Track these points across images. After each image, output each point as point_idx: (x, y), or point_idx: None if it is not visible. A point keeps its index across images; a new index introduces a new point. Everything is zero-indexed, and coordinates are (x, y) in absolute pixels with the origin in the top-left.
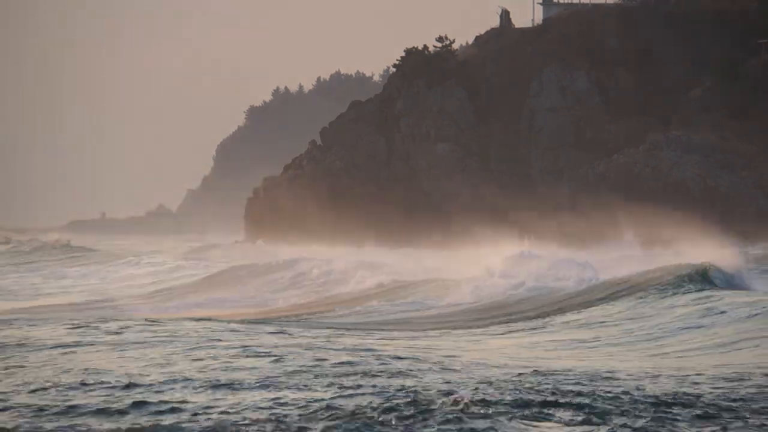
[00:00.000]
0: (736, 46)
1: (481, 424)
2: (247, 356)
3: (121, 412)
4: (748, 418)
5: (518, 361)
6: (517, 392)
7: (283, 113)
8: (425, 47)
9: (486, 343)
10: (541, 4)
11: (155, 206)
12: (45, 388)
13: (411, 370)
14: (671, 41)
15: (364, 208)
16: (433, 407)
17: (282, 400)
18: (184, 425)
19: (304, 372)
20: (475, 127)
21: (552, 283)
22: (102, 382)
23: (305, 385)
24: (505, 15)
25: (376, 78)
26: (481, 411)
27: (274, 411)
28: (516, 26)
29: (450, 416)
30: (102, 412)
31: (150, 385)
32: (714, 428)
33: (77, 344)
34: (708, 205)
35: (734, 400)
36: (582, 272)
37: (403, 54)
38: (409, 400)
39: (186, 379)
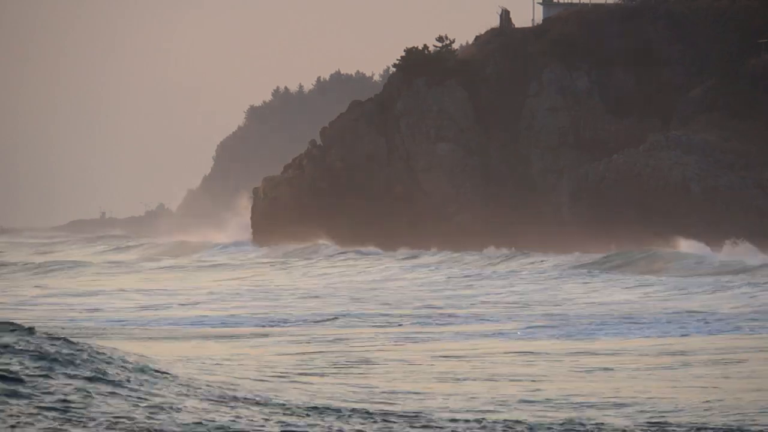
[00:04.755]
0: (736, 46)
1: None
2: None
3: None
4: None
5: None
6: None
7: (283, 113)
8: (425, 47)
9: None
10: (541, 4)
11: (155, 206)
12: None
13: None
14: (671, 41)
15: (364, 208)
16: None
17: None
18: None
19: None
20: (475, 127)
21: None
22: None
23: None
24: (505, 15)
25: (376, 78)
26: None
27: None
28: (516, 26)
29: None
30: None
31: None
32: None
33: None
34: (708, 205)
35: None
36: None
37: (403, 54)
38: None
39: None
